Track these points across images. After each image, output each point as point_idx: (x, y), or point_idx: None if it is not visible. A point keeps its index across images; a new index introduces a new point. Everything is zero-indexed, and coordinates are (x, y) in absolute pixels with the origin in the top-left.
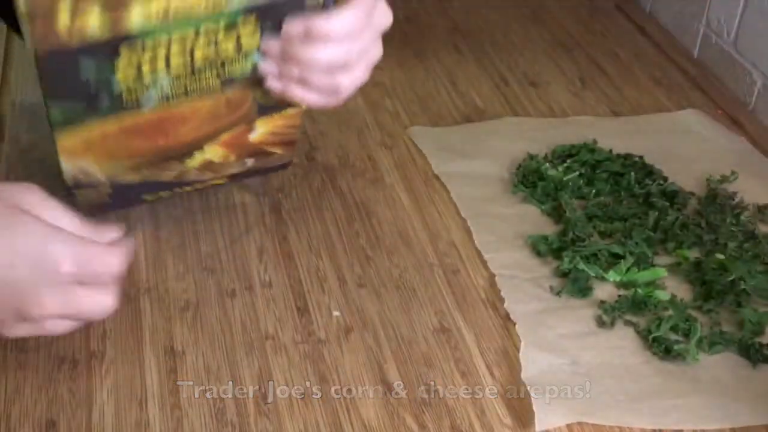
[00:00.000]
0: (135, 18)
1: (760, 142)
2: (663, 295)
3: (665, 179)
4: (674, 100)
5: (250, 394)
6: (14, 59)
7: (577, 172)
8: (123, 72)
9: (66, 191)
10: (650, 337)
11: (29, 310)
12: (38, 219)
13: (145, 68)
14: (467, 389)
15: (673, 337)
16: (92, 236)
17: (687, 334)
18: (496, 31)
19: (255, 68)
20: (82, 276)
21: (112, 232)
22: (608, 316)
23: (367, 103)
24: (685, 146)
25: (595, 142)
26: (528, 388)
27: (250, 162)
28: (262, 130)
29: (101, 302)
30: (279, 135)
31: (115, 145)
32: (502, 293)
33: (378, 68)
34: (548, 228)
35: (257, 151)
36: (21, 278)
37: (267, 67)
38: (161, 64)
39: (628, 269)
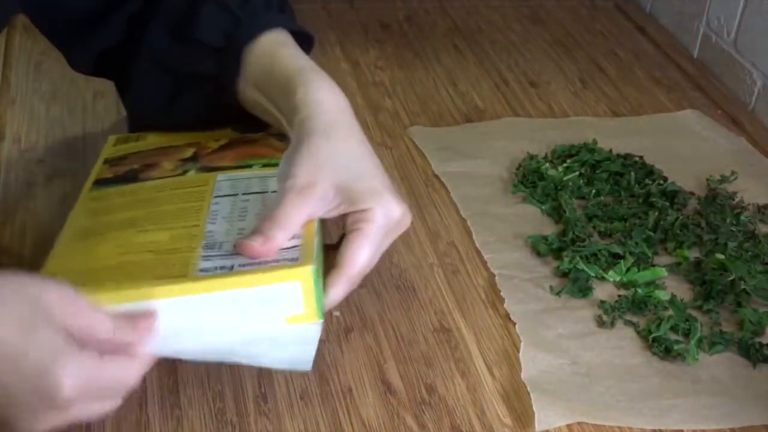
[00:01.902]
0: None
1: (760, 142)
2: (663, 295)
3: (665, 179)
4: (674, 100)
5: (250, 394)
6: (14, 59)
7: (577, 172)
8: None
9: None
10: (650, 337)
11: (22, 425)
12: (54, 328)
13: None
14: (467, 389)
15: (673, 337)
16: (123, 335)
17: (687, 334)
18: (496, 31)
19: None
20: (86, 396)
21: (148, 324)
22: (608, 316)
23: (367, 103)
24: (685, 146)
25: (595, 142)
26: (528, 388)
27: None
28: None
29: (100, 410)
30: None
31: None
32: (502, 293)
33: (378, 68)
34: (548, 228)
35: None
36: (18, 394)
37: None
38: None
39: (628, 269)
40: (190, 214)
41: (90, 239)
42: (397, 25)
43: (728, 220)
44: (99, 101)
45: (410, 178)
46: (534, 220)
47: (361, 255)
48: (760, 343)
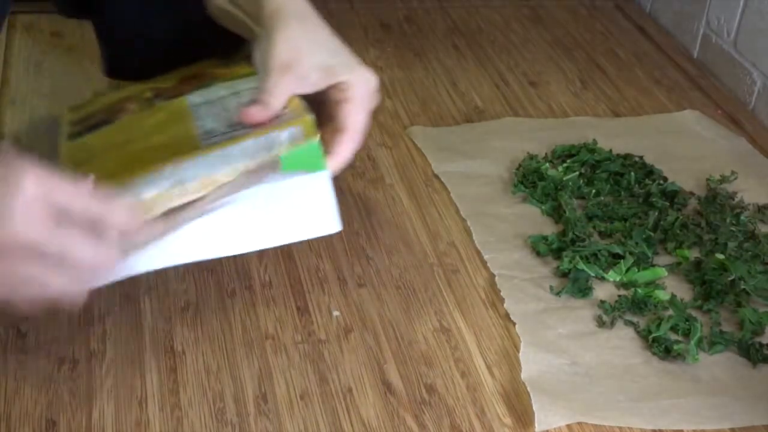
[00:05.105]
0: None
1: (760, 142)
2: (663, 295)
3: (665, 179)
4: (674, 100)
5: (250, 394)
6: (14, 59)
7: (577, 172)
8: None
9: None
10: (650, 337)
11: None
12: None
13: None
14: (467, 389)
15: (673, 337)
16: (96, 206)
17: (687, 334)
18: (496, 31)
19: None
20: (63, 212)
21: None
22: (608, 316)
23: None
24: (685, 146)
25: (595, 142)
26: (528, 388)
27: None
28: None
29: (56, 282)
30: None
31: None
32: (502, 293)
33: (378, 68)
34: (548, 228)
35: None
36: None
37: None
38: None
39: (628, 269)
40: (175, 123)
41: (86, 165)
42: (397, 25)
43: (728, 220)
44: None
45: (410, 178)
46: (534, 220)
47: (359, 116)
48: (760, 343)
